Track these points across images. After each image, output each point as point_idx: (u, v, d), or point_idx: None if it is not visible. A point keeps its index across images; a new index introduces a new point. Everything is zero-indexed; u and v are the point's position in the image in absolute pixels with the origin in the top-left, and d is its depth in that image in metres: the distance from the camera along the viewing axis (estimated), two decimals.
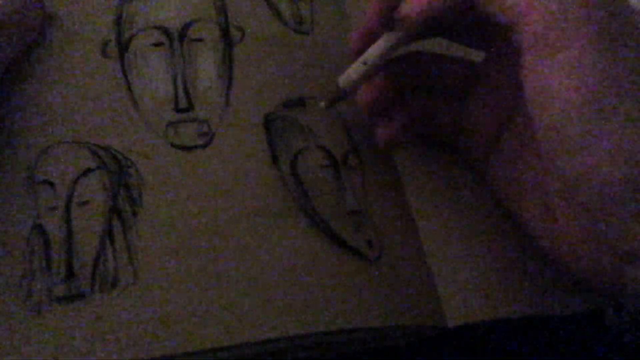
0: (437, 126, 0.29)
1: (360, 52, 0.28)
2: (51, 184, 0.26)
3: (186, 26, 0.31)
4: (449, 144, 0.30)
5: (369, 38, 0.27)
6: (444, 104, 0.29)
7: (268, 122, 0.29)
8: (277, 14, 0.33)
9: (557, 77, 0.20)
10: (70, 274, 0.24)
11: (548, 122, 0.20)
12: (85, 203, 0.26)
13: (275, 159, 0.28)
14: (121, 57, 0.30)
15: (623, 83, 0.19)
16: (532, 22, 0.20)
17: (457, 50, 0.29)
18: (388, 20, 0.26)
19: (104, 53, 0.30)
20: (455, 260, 0.27)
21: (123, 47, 0.30)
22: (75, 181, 0.27)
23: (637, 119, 0.18)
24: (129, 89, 0.29)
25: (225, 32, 0.32)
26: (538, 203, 0.24)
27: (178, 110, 0.29)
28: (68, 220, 0.26)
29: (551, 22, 0.20)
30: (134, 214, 0.26)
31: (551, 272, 0.26)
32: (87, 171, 0.27)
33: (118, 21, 0.31)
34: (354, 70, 0.28)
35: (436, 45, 0.29)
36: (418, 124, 0.29)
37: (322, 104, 0.29)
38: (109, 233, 0.25)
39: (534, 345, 0.27)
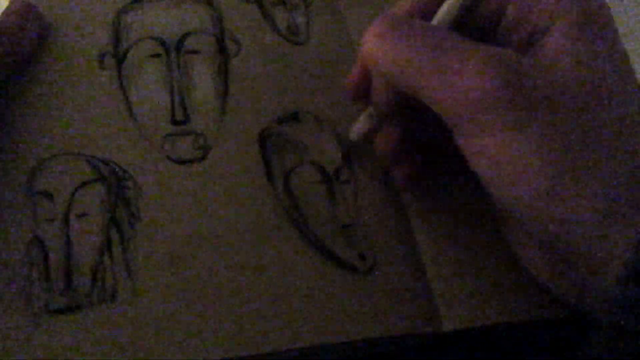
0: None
1: (358, 96, 0.28)
2: (49, 195, 0.27)
3: (183, 37, 0.31)
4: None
5: (365, 84, 0.28)
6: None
7: (263, 138, 0.30)
8: (273, 24, 0.33)
9: (482, 160, 0.22)
10: (68, 286, 0.25)
11: (495, 196, 0.23)
12: (83, 215, 0.26)
13: (269, 175, 0.29)
14: (118, 69, 0.30)
15: (536, 158, 0.21)
16: (454, 111, 0.22)
17: None
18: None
19: (102, 64, 0.30)
20: (451, 264, 0.27)
21: (120, 58, 0.31)
22: (74, 193, 0.27)
23: (552, 186, 0.21)
24: (126, 100, 0.30)
25: (221, 44, 0.32)
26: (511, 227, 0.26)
27: (174, 122, 0.29)
28: (67, 232, 0.26)
29: (470, 110, 0.21)
30: (132, 226, 0.26)
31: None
32: (86, 183, 0.27)
33: (115, 32, 0.31)
34: (361, 124, 0.29)
35: None
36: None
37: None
38: (107, 245, 0.26)
39: (529, 349, 0.28)
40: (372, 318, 0.25)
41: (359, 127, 0.29)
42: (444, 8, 0.25)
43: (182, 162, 0.28)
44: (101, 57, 0.31)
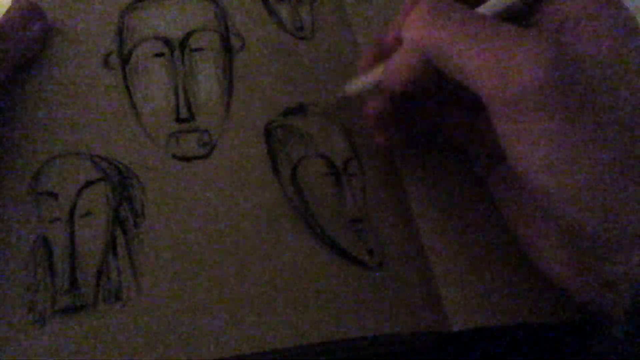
0: (446, 135, 0.30)
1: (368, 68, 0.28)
2: (54, 195, 0.27)
3: (187, 36, 0.31)
4: (458, 150, 0.30)
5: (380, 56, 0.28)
6: (455, 114, 0.29)
7: (268, 132, 0.29)
8: (278, 20, 0.33)
9: (529, 148, 0.21)
10: (73, 285, 0.25)
11: (533, 184, 0.22)
12: (88, 214, 0.26)
13: (275, 169, 0.28)
14: (123, 68, 0.30)
15: (585, 149, 0.21)
16: (500, 95, 0.21)
17: None
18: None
19: (106, 64, 0.30)
20: (458, 264, 0.27)
21: (125, 58, 0.31)
22: (79, 192, 0.27)
23: (600, 179, 0.21)
24: (131, 99, 0.30)
25: (225, 41, 0.32)
26: (529, 225, 0.26)
27: (179, 120, 0.29)
28: (71, 232, 0.26)
29: (510, 98, 0.21)
30: (137, 225, 0.26)
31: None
32: (90, 182, 0.27)
33: (119, 32, 0.31)
34: (362, 84, 0.28)
35: None
36: (425, 133, 0.30)
37: (328, 106, 0.29)
38: (112, 244, 0.26)
39: (537, 351, 0.27)
40: (380, 315, 0.25)
41: (358, 85, 0.28)
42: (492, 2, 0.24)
43: (187, 159, 0.28)
44: (106, 56, 0.31)
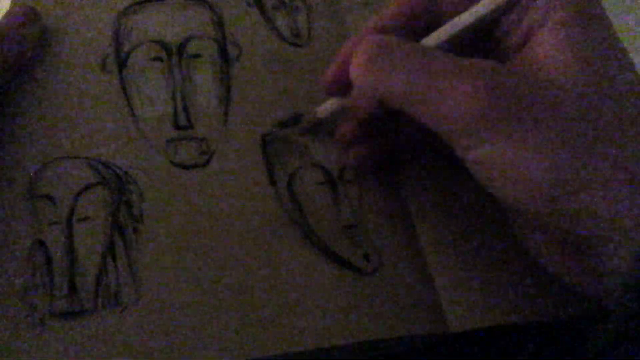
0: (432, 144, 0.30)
1: (333, 92, 0.28)
2: (52, 199, 0.27)
3: (185, 41, 0.31)
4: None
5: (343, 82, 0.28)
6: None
7: (265, 142, 0.30)
8: (274, 28, 0.33)
9: (482, 170, 0.22)
10: (72, 290, 0.25)
11: (506, 202, 0.23)
12: (86, 219, 0.26)
13: (272, 179, 0.29)
14: (120, 72, 0.30)
15: (539, 156, 0.21)
16: (448, 130, 0.22)
17: None
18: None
19: (103, 68, 0.30)
20: (456, 265, 0.28)
21: (122, 61, 0.31)
22: (76, 196, 0.27)
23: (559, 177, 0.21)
24: (129, 103, 0.30)
25: (222, 49, 0.32)
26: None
27: (177, 127, 0.29)
28: (69, 236, 0.26)
29: (465, 128, 0.22)
30: (135, 230, 0.26)
31: (553, 279, 0.27)
32: (88, 187, 0.27)
33: (116, 35, 0.31)
34: (333, 105, 0.28)
35: None
36: (406, 147, 0.30)
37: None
38: (110, 249, 0.26)
39: (535, 350, 0.28)
40: (377, 319, 0.25)
41: (328, 107, 0.29)
42: (443, 29, 0.25)
43: (185, 167, 0.28)
44: (103, 60, 0.31)
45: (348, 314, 0.25)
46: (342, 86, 0.27)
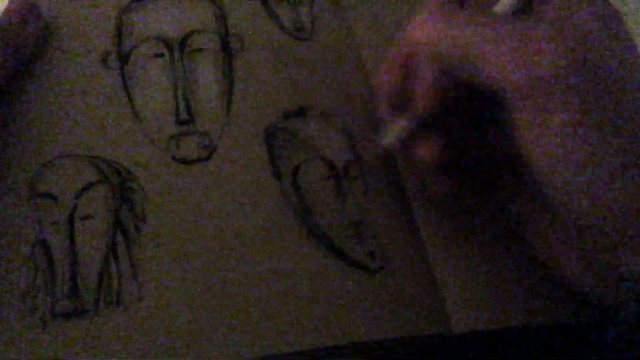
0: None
1: (393, 102, 0.27)
2: (53, 197, 0.26)
3: (186, 37, 0.31)
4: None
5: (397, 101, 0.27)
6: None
7: (269, 135, 0.29)
8: (277, 21, 0.33)
9: (553, 140, 0.21)
10: (74, 290, 0.25)
11: (547, 177, 0.22)
12: (88, 217, 0.26)
13: (276, 172, 0.28)
14: (122, 69, 0.30)
15: (604, 142, 0.20)
16: (518, 86, 0.21)
17: None
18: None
19: (105, 65, 0.30)
20: (460, 267, 0.27)
21: (124, 58, 0.30)
22: (78, 195, 0.27)
23: (623, 174, 0.20)
24: (130, 101, 0.29)
25: (225, 42, 0.31)
26: (540, 220, 0.26)
27: (179, 122, 0.29)
28: (71, 235, 0.26)
29: (536, 87, 0.21)
30: (137, 229, 0.26)
31: (556, 281, 0.26)
32: (90, 185, 0.27)
33: (118, 32, 0.31)
34: (399, 127, 0.27)
35: None
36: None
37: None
38: (112, 248, 0.26)
39: (538, 354, 0.27)
40: (381, 319, 0.25)
41: (394, 130, 0.27)
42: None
43: (187, 162, 0.28)
44: (104, 57, 0.30)
45: (351, 312, 0.25)
46: (400, 94, 0.26)
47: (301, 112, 0.30)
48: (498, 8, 0.24)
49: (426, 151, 0.26)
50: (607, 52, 0.21)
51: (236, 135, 0.29)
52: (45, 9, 0.31)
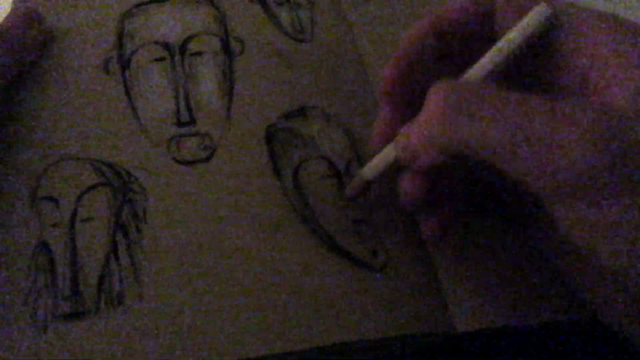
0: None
1: (383, 143, 0.26)
2: (55, 200, 0.26)
3: (187, 40, 0.31)
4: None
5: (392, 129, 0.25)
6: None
7: (270, 135, 0.29)
8: (277, 23, 0.33)
9: (597, 233, 0.19)
10: (75, 291, 0.24)
11: (607, 267, 0.20)
12: (89, 219, 0.26)
13: (277, 171, 0.28)
14: (123, 74, 0.30)
15: None
16: (549, 185, 0.19)
17: None
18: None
19: (106, 69, 0.30)
20: (463, 265, 0.27)
21: (125, 63, 0.31)
22: (79, 197, 0.27)
23: None
24: (131, 104, 0.29)
25: (225, 45, 0.32)
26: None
27: (180, 124, 0.29)
28: (72, 237, 0.26)
29: (572, 182, 0.19)
30: (138, 230, 0.26)
31: (559, 279, 0.26)
32: (91, 187, 0.27)
33: (119, 37, 0.31)
34: (379, 160, 0.26)
35: None
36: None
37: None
38: (113, 249, 0.25)
39: (541, 352, 0.27)
40: (383, 317, 0.25)
41: (375, 167, 0.26)
42: (491, 52, 0.22)
43: (187, 163, 0.28)
44: (106, 62, 0.31)
45: (354, 311, 0.25)
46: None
47: (302, 112, 0.30)
48: (472, 72, 0.22)
49: (408, 186, 0.25)
50: None
51: (237, 135, 0.29)
52: (47, 14, 0.31)
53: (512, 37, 0.22)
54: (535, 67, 0.23)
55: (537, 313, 0.26)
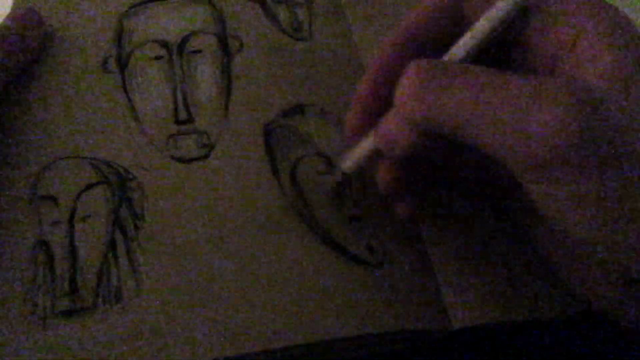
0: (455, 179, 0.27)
1: (357, 134, 0.25)
2: (54, 199, 0.27)
3: (185, 38, 0.31)
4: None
5: (369, 117, 0.25)
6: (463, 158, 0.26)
7: (267, 132, 0.29)
8: (275, 21, 0.33)
9: (570, 208, 0.19)
10: (74, 288, 0.25)
11: (576, 239, 0.20)
12: (88, 217, 0.26)
13: (275, 169, 0.28)
14: (122, 73, 0.30)
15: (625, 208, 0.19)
16: (525, 160, 0.19)
17: None
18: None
19: (105, 68, 0.31)
20: (459, 262, 0.27)
21: (123, 62, 0.31)
22: (78, 196, 0.27)
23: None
24: (130, 103, 0.30)
25: (223, 43, 0.32)
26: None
27: (178, 122, 0.29)
28: (71, 235, 0.26)
29: (548, 158, 0.19)
30: (137, 227, 0.26)
31: (554, 276, 0.26)
32: (90, 186, 0.27)
33: (118, 37, 0.31)
34: (360, 154, 0.26)
35: None
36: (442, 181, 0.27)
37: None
38: (112, 247, 0.26)
39: (537, 348, 0.27)
40: (380, 313, 0.25)
41: (353, 159, 0.26)
42: (464, 39, 0.22)
43: (186, 161, 0.28)
44: (104, 61, 0.31)
45: (350, 307, 0.25)
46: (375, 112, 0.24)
47: (300, 110, 0.30)
48: (451, 54, 0.22)
49: (384, 171, 0.25)
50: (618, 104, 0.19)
51: (234, 133, 0.29)
52: (46, 14, 0.31)
53: (481, 24, 0.22)
54: (507, 50, 0.23)
55: (532, 309, 0.26)
